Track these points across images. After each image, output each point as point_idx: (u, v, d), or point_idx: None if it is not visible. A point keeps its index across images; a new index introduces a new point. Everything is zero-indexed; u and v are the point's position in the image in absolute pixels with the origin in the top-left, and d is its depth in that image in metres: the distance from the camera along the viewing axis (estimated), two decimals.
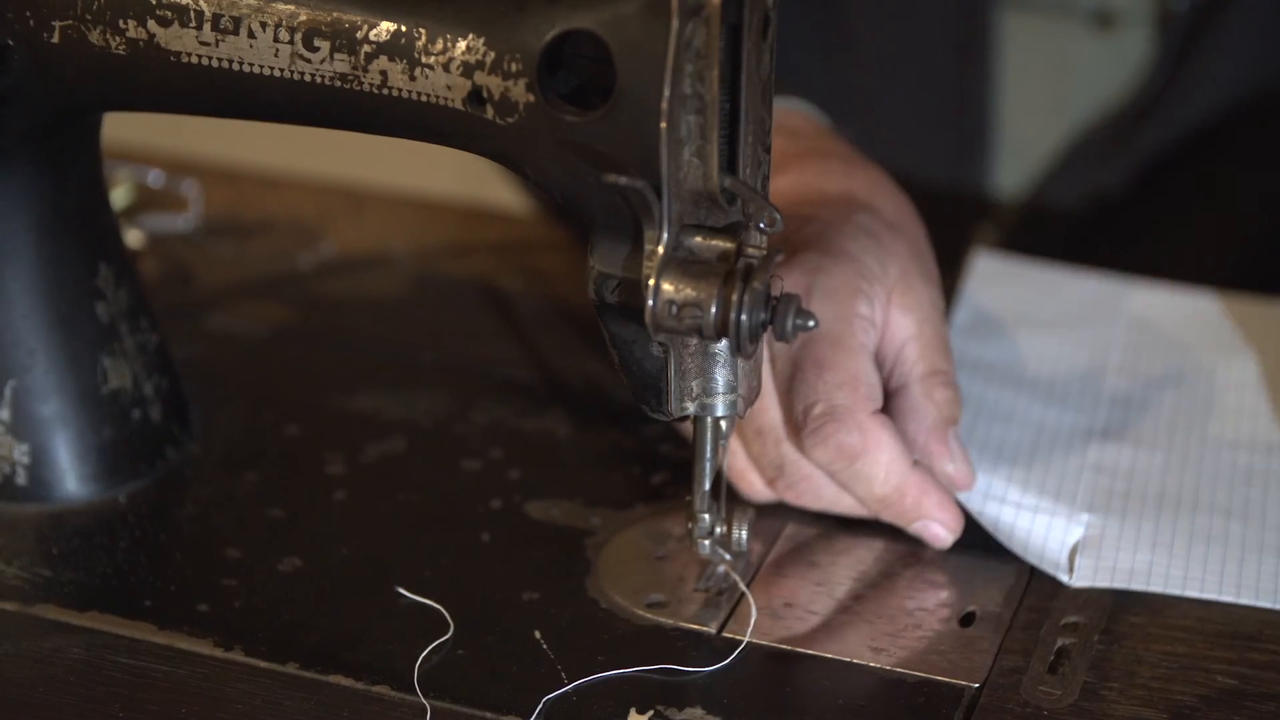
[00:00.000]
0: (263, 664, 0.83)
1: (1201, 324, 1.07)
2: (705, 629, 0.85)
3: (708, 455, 0.83)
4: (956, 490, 0.90)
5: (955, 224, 1.24)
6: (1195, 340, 1.06)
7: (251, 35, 0.80)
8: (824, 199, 0.94)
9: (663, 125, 0.73)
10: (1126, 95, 1.25)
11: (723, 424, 0.82)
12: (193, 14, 0.81)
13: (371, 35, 0.79)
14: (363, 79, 0.79)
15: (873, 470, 0.87)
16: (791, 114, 1.04)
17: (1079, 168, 1.27)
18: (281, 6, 0.80)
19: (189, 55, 0.81)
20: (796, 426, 0.87)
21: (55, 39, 0.83)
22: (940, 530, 0.89)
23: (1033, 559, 0.89)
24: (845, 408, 0.87)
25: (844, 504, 0.91)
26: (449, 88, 0.78)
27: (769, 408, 0.89)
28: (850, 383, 0.87)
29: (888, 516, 0.89)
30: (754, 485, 0.92)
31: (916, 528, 0.89)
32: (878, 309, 0.89)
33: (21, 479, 0.92)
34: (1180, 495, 0.93)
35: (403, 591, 0.87)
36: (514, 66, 0.76)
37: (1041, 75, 1.26)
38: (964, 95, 1.27)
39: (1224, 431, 0.99)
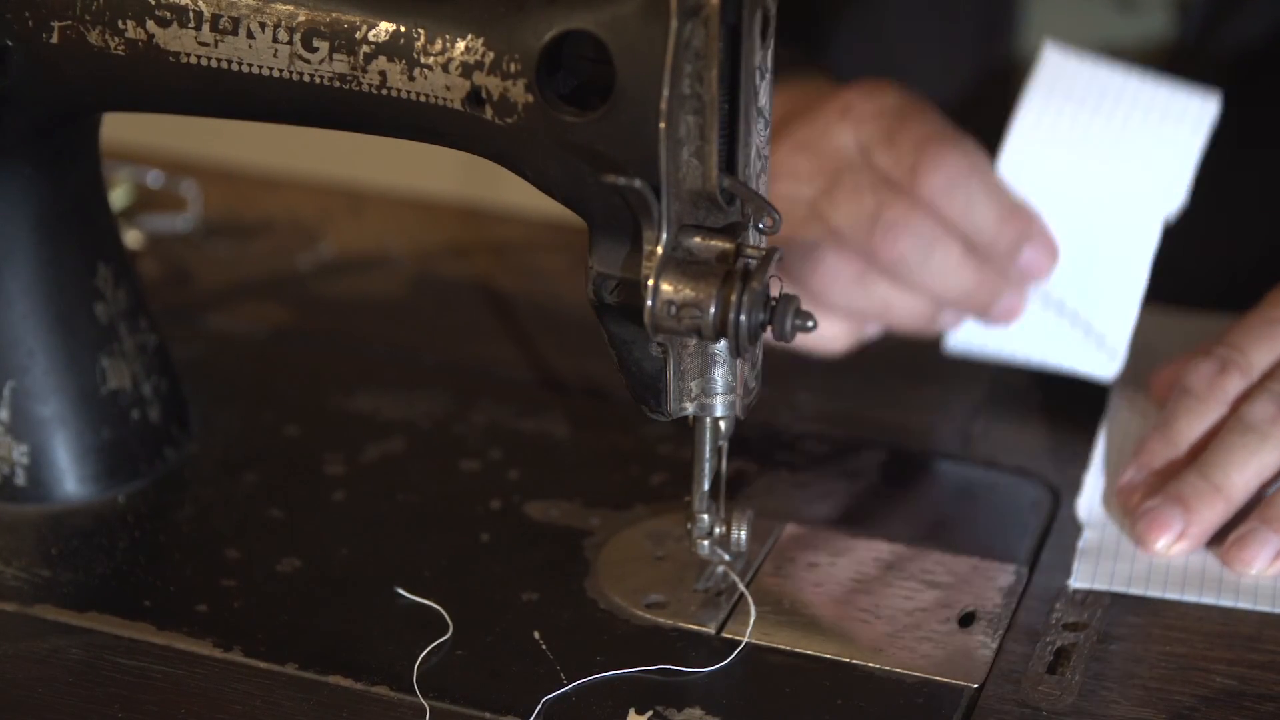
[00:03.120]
0: (262, 664, 0.83)
1: None
2: (704, 629, 0.85)
3: (707, 455, 0.83)
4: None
5: None
6: None
7: (250, 36, 0.80)
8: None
9: (662, 125, 0.73)
10: (1168, 38, 1.25)
11: (722, 424, 0.82)
12: (192, 14, 0.81)
13: (370, 35, 0.79)
14: (362, 79, 0.79)
15: (983, 189, 0.95)
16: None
17: None
18: (280, 7, 0.80)
19: (188, 55, 0.81)
20: (898, 175, 0.95)
21: (54, 39, 0.83)
22: (1043, 257, 0.96)
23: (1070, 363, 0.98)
24: (952, 136, 0.96)
25: (936, 259, 0.95)
26: (448, 88, 0.78)
27: (862, 170, 0.96)
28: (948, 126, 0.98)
29: (998, 242, 0.95)
30: (833, 266, 0.96)
31: (1024, 257, 0.96)
32: None
33: (21, 479, 0.92)
34: None
35: (402, 592, 0.87)
36: (513, 67, 0.76)
37: (1077, 25, 1.27)
38: (987, 76, 1.28)
39: None
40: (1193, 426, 0.93)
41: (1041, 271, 0.97)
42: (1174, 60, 1.23)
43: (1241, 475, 0.89)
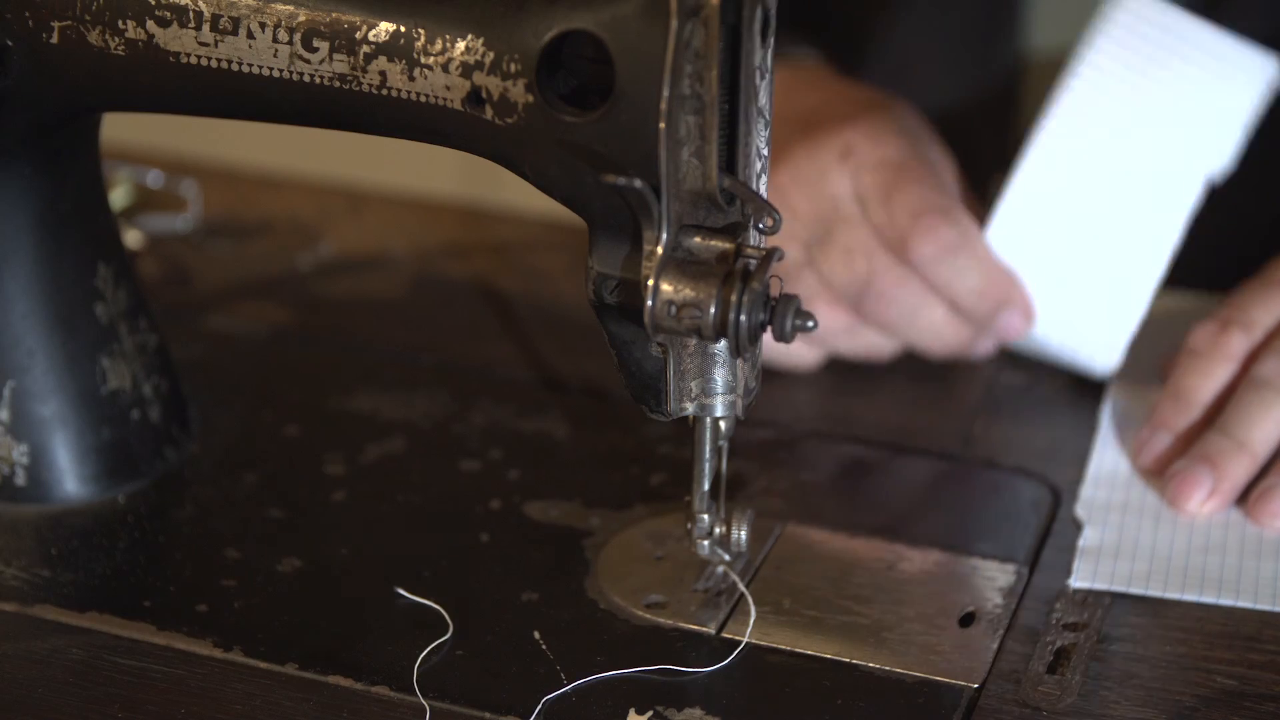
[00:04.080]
0: (262, 664, 0.83)
1: None
2: (704, 629, 0.85)
3: (707, 455, 0.83)
4: None
5: (979, 182, 1.26)
6: None
7: (250, 36, 0.80)
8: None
9: (661, 126, 0.73)
10: None
11: (722, 424, 0.82)
12: (192, 14, 0.81)
13: (370, 36, 0.78)
14: (362, 79, 0.79)
15: (970, 262, 0.99)
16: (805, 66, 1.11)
17: None
18: (280, 7, 0.80)
19: (188, 56, 0.81)
20: (890, 238, 0.99)
21: (54, 39, 0.83)
22: (1018, 320, 1.00)
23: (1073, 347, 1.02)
24: (946, 207, 0.99)
25: (922, 320, 1.00)
26: (448, 88, 0.78)
27: (857, 226, 1.00)
28: (945, 189, 1.01)
29: (978, 310, 1.00)
30: (825, 317, 1.00)
31: (1001, 321, 1.00)
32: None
33: (20, 479, 0.92)
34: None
35: (402, 592, 0.87)
36: (513, 67, 0.76)
37: (1070, 42, 1.28)
38: (990, 73, 1.28)
39: None
40: (1200, 383, 0.96)
41: (1017, 334, 1.02)
42: None
43: (1263, 430, 0.93)
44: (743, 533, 0.86)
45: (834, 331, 1.02)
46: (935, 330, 1.01)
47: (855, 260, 1.00)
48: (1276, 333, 0.96)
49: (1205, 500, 0.92)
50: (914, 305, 1.00)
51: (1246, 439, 0.93)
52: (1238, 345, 0.96)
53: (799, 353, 1.04)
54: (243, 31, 0.80)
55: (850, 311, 1.02)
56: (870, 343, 1.03)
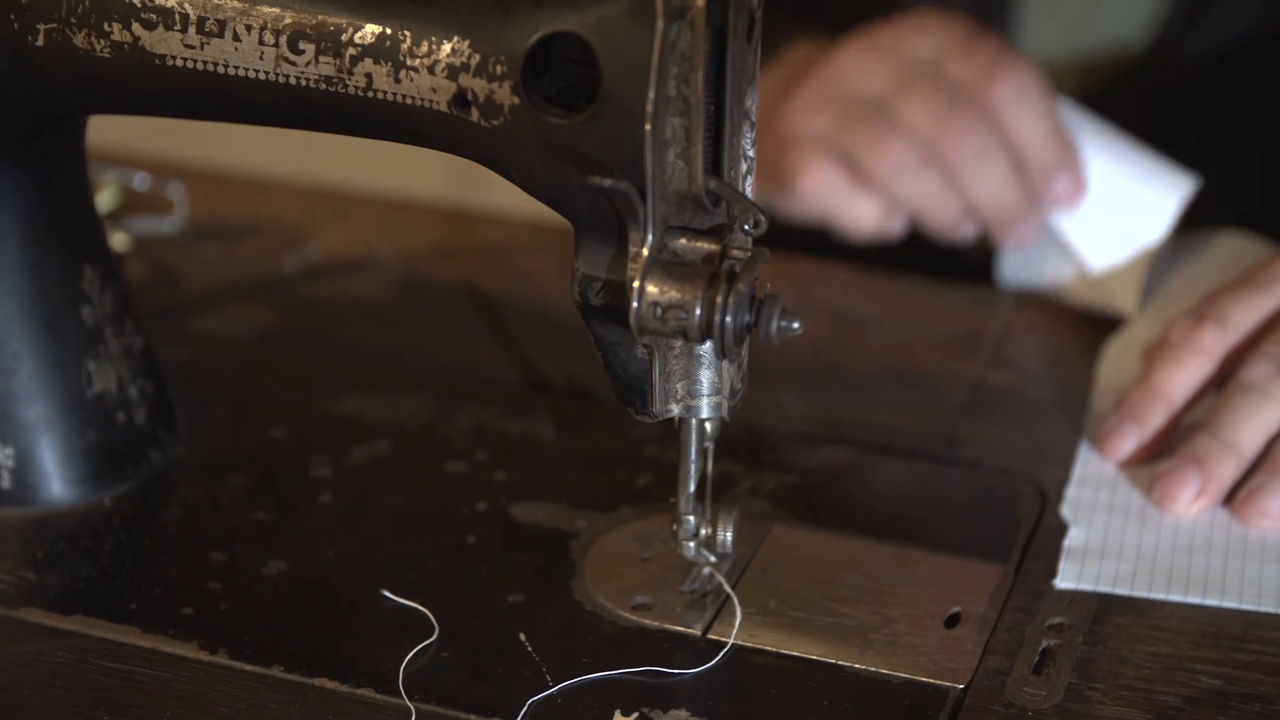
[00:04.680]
0: (248, 667, 0.83)
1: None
2: (690, 631, 0.85)
3: (693, 457, 0.83)
4: None
5: None
6: None
7: (236, 38, 0.80)
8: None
9: (647, 127, 0.73)
10: (1140, 44, 1.30)
11: (708, 425, 0.82)
12: (177, 17, 0.81)
13: (356, 38, 0.79)
14: (348, 81, 0.79)
15: (1041, 109, 1.08)
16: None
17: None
18: (266, 9, 0.80)
19: (174, 58, 0.81)
20: (970, 83, 1.08)
21: (40, 42, 0.83)
22: (1070, 186, 1.09)
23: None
24: (1021, 59, 1.09)
25: (988, 167, 1.08)
26: (434, 90, 0.78)
27: (935, 79, 1.08)
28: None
29: (1042, 162, 1.08)
30: (897, 153, 1.08)
31: (1056, 183, 1.08)
32: None
33: (6, 482, 0.92)
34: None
35: (388, 594, 0.87)
36: (499, 69, 0.76)
37: (1060, 30, 1.29)
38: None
39: None
40: (1170, 374, 0.97)
41: (1069, 200, 1.09)
42: (1165, 30, 1.25)
43: (1249, 432, 0.93)
44: (729, 534, 0.86)
45: (904, 170, 1.09)
46: (997, 182, 1.08)
47: (938, 98, 1.08)
48: (1263, 335, 0.97)
49: (1193, 501, 0.93)
50: (986, 148, 1.07)
51: (1234, 441, 0.93)
52: (1210, 340, 0.97)
53: (859, 210, 1.11)
54: (228, 34, 0.80)
55: (923, 150, 1.08)
56: (931, 193, 1.09)
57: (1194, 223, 1.13)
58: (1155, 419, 0.97)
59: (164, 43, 0.81)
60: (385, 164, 1.48)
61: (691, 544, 0.85)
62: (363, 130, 0.82)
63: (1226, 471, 0.93)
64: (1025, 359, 1.08)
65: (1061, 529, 0.92)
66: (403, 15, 0.78)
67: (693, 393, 0.81)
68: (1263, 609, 0.87)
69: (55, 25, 0.83)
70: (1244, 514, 0.92)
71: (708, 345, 0.79)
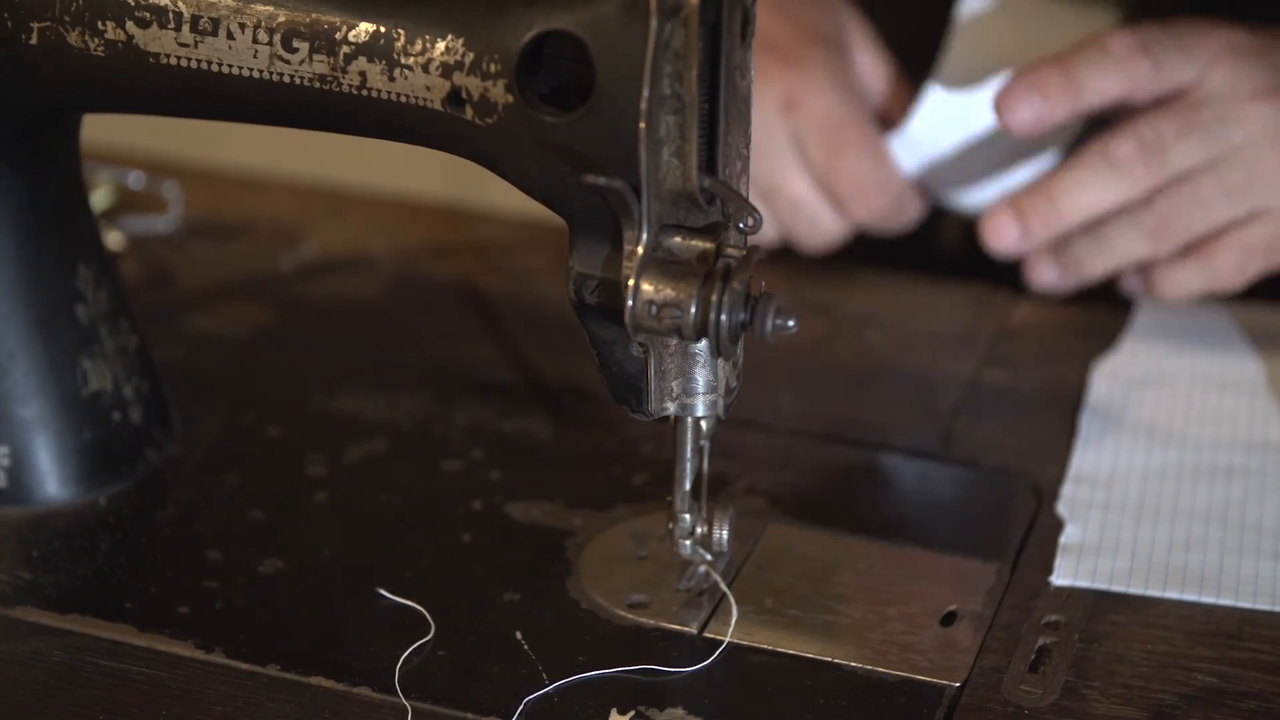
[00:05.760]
0: (244, 666, 0.83)
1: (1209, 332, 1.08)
2: (686, 629, 0.85)
3: (688, 455, 0.83)
4: None
5: None
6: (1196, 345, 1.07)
7: (230, 36, 0.80)
8: None
9: (641, 125, 0.73)
10: None
11: (703, 424, 0.82)
12: (171, 15, 0.81)
13: (350, 36, 0.78)
14: (342, 80, 0.79)
15: (898, 222, 1.11)
16: None
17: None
18: (260, 8, 0.80)
19: (168, 57, 0.81)
20: (829, 196, 1.10)
21: (33, 40, 0.83)
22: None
23: None
24: (883, 179, 1.08)
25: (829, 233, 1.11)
26: (428, 88, 0.78)
27: (795, 175, 1.09)
28: (879, 157, 1.09)
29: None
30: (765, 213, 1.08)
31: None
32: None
33: (1, 481, 0.92)
34: (1160, 503, 0.93)
35: (384, 593, 0.86)
36: (493, 67, 0.76)
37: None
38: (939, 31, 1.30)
39: (1204, 431, 0.99)
40: (1078, 196, 1.02)
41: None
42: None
43: (1085, 201, 1.00)
44: (724, 532, 0.86)
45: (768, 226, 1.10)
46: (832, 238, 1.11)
47: (790, 196, 1.09)
48: (1142, 118, 1.00)
49: (1009, 250, 1.02)
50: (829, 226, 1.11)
51: (1066, 208, 1.00)
52: (1134, 165, 1.00)
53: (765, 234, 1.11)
54: (222, 32, 0.80)
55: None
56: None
57: None
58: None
59: (158, 41, 0.81)
60: (380, 163, 1.48)
61: (687, 542, 0.85)
62: (357, 129, 0.82)
63: (1045, 233, 1.01)
64: (1020, 357, 1.07)
65: (1057, 526, 0.92)
66: (396, 13, 0.78)
67: (688, 391, 0.81)
68: (1259, 606, 0.87)
69: (49, 24, 0.83)
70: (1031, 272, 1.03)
71: (703, 343, 0.78)
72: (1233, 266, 1.02)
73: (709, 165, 0.77)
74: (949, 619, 0.86)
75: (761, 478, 0.96)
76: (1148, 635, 0.85)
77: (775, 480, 0.96)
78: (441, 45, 0.77)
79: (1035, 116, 1.00)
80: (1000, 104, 1.01)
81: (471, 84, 0.77)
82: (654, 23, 0.72)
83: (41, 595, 0.87)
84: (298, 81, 0.80)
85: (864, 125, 1.09)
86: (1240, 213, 1.01)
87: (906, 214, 1.11)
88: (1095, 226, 1.03)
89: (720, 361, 0.80)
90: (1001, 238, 1.03)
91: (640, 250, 0.75)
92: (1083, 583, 0.88)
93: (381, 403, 1.02)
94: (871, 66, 1.13)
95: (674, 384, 0.80)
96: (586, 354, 0.81)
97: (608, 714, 0.80)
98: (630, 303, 0.75)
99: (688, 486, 0.84)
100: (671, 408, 0.81)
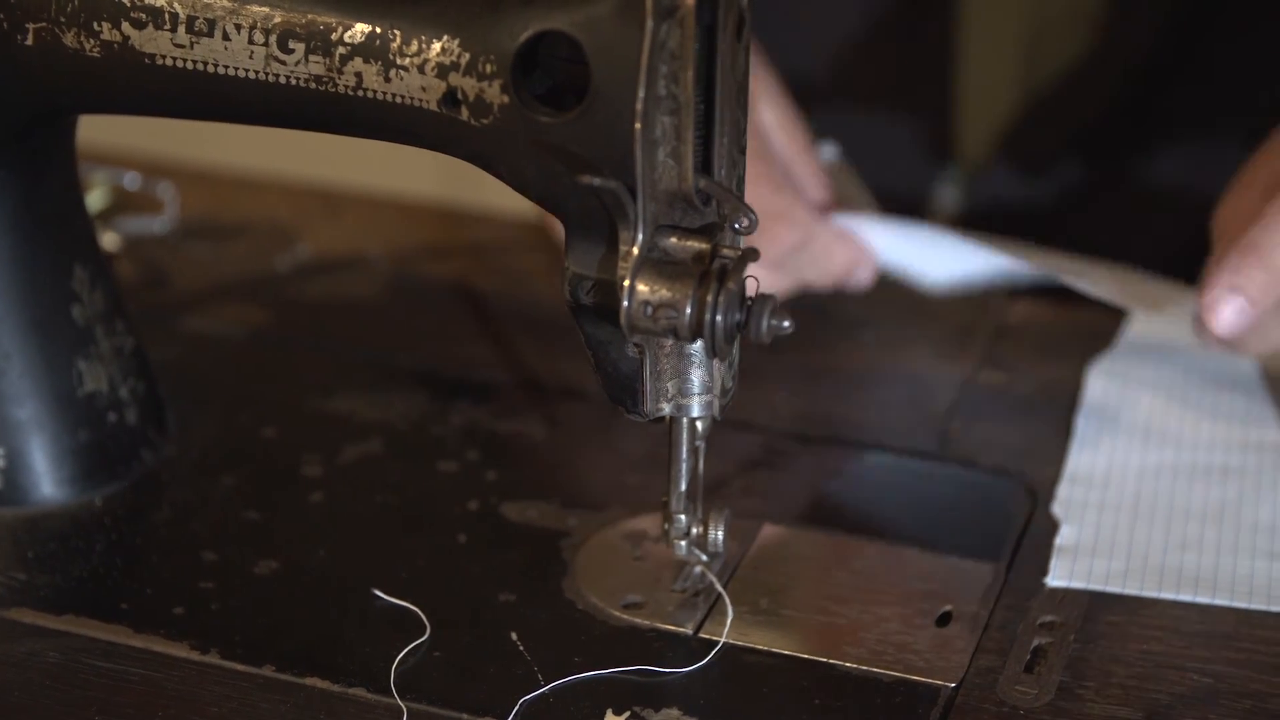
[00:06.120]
0: (239, 667, 0.83)
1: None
2: (682, 630, 0.85)
3: (684, 456, 0.83)
4: None
5: (915, 175, 1.33)
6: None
7: (226, 37, 0.80)
8: None
9: (637, 126, 0.73)
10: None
11: (698, 424, 0.82)
12: (167, 16, 0.81)
13: (346, 37, 0.78)
14: (337, 81, 0.79)
15: (810, 255, 1.06)
16: None
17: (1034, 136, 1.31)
18: (256, 9, 0.80)
19: (164, 57, 0.81)
20: None
21: (29, 41, 0.83)
22: (865, 277, 1.08)
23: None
24: (782, 209, 1.03)
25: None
26: (424, 89, 0.78)
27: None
28: (782, 189, 1.04)
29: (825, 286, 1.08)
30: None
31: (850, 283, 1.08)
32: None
33: None
34: (1155, 503, 0.94)
35: (379, 593, 0.86)
36: (488, 68, 0.76)
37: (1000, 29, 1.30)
38: (917, 56, 1.29)
39: (1200, 431, 0.99)
40: None
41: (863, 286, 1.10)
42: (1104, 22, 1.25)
43: None
44: (720, 533, 0.86)
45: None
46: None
47: None
48: None
49: (1234, 322, 0.92)
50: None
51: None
52: None
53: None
54: (218, 33, 0.80)
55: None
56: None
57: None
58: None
59: (153, 42, 0.81)
60: (376, 163, 1.48)
61: (683, 543, 0.85)
62: (353, 129, 0.82)
63: (1268, 298, 0.91)
64: (1016, 358, 1.08)
65: (1053, 527, 0.92)
66: (392, 14, 0.78)
67: (684, 391, 0.81)
68: (1254, 607, 0.87)
69: (44, 25, 0.83)
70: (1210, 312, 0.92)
71: (698, 344, 0.78)
72: None
73: (704, 166, 0.77)
74: (944, 619, 0.86)
75: (757, 478, 0.96)
76: (1143, 635, 0.85)
77: (771, 480, 0.96)
78: (437, 46, 0.77)
79: (1241, 318, 0.92)
80: (1205, 311, 0.93)
81: (467, 84, 0.77)
82: (650, 23, 0.72)
83: (37, 596, 0.87)
84: (293, 82, 0.80)
85: (765, 160, 1.05)
86: None
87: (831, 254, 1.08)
88: None
89: (716, 362, 0.80)
90: (1224, 319, 0.92)
91: (635, 251, 0.75)
92: (1078, 583, 0.88)
93: (377, 403, 1.02)
94: (776, 126, 1.10)
95: (669, 385, 0.81)
96: (582, 355, 0.81)
97: (603, 714, 0.80)
98: (626, 303, 0.75)
99: (683, 487, 0.84)
100: (667, 408, 0.81)
